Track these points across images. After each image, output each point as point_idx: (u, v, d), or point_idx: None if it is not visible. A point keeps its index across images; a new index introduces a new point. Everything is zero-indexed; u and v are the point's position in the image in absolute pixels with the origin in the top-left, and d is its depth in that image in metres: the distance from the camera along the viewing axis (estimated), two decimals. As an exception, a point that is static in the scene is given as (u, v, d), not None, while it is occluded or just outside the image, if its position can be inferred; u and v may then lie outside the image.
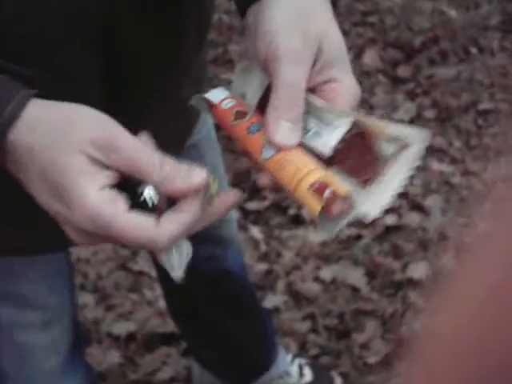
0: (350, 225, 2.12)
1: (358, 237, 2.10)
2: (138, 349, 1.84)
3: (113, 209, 0.64)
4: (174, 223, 0.67)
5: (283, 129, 0.68)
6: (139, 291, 1.97)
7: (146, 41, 0.82)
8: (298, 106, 0.69)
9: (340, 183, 0.67)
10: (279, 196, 2.22)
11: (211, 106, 0.75)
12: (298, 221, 2.16)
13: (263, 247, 2.09)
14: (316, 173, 0.67)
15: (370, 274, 2.00)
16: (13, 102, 0.66)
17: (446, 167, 2.34)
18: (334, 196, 0.65)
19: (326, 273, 2.00)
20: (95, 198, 0.64)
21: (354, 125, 0.69)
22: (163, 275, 1.52)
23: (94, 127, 0.65)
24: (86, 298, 1.93)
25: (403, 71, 2.73)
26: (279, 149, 0.69)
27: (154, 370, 1.80)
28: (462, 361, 0.30)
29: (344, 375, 1.77)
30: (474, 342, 0.30)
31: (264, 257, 2.07)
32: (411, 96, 2.62)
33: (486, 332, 0.29)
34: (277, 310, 1.92)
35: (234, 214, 1.45)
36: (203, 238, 1.40)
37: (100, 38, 0.77)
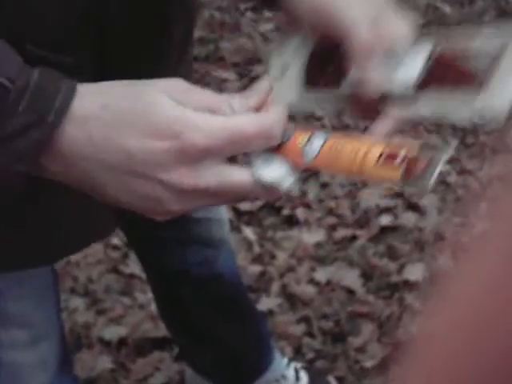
0: (346, 225, 2.10)
1: (353, 238, 2.07)
2: (129, 354, 1.81)
3: (222, 117, 0.63)
4: (273, 111, 0.66)
5: (369, 77, 0.70)
6: (130, 294, 1.93)
7: (133, 40, 0.79)
8: (375, 52, 0.71)
9: (406, 144, 0.65)
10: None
11: None
12: (291, 221, 2.13)
13: (257, 249, 2.06)
14: (376, 146, 0.65)
15: (366, 276, 1.96)
16: (60, 94, 0.62)
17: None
18: (407, 158, 0.63)
19: (321, 274, 1.97)
20: (210, 117, 0.63)
21: (434, 49, 0.71)
22: (153, 279, 1.49)
23: (160, 85, 0.64)
24: (76, 302, 1.89)
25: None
26: (324, 142, 0.67)
27: (146, 375, 1.77)
28: (458, 361, 0.30)
29: (340, 379, 1.74)
30: (470, 342, 0.30)
31: (258, 258, 2.04)
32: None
33: (482, 332, 0.29)
34: (271, 312, 1.89)
35: (225, 215, 1.42)
36: (195, 241, 1.37)
37: (94, 37, 0.75)
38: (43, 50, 0.70)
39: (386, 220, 2.10)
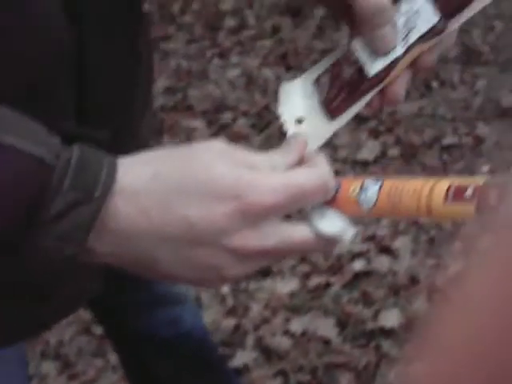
0: (319, 273, 2.08)
1: (327, 285, 2.05)
2: (104, 418, 1.77)
3: (280, 174, 0.62)
4: (321, 163, 0.65)
5: (383, 33, 0.69)
6: (103, 356, 1.90)
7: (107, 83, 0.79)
8: (385, 8, 0.69)
9: (467, 178, 0.62)
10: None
11: None
12: (265, 271, 2.11)
13: (230, 301, 2.03)
14: (441, 182, 0.62)
15: (341, 324, 1.94)
16: (104, 168, 0.60)
17: (413, 206, 2.30)
18: (478, 190, 0.60)
19: (296, 325, 1.95)
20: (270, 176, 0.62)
21: None
22: (117, 342, 1.46)
23: (207, 147, 0.63)
24: (47, 367, 1.86)
25: (365, 109, 2.70)
26: (380, 188, 0.64)
27: None
28: None
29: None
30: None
31: (231, 311, 2.01)
32: (375, 134, 2.58)
33: (461, 381, 0.29)
34: (247, 367, 1.86)
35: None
36: (159, 301, 1.34)
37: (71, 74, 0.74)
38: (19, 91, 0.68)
39: (359, 265, 2.08)
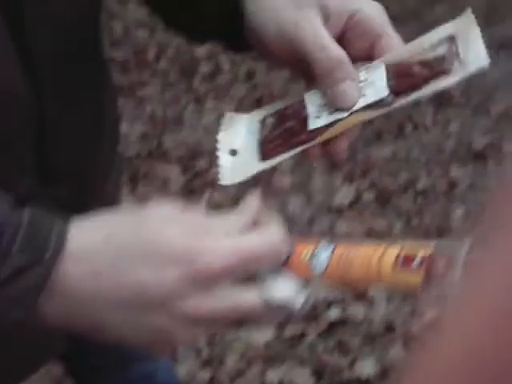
0: (294, 322, 2.07)
1: (303, 334, 2.04)
2: None
3: (231, 238, 0.62)
4: (274, 227, 0.64)
5: (344, 88, 0.68)
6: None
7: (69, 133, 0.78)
8: (346, 63, 0.69)
9: (420, 245, 0.62)
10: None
11: None
12: (240, 321, 2.10)
13: (206, 353, 2.02)
14: (391, 249, 0.62)
15: (317, 374, 1.93)
16: (55, 230, 0.59)
17: (388, 251, 2.30)
18: (426, 260, 0.60)
19: (272, 376, 1.94)
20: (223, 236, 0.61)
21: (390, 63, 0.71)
22: None
23: (159, 211, 0.62)
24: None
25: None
26: (331, 253, 0.64)
27: None
28: None
29: None
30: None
31: (207, 363, 2.00)
32: (349, 178, 2.59)
33: None
34: (223, 420, 1.85)
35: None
36: (131, 358, 1.33)
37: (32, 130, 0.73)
38: None
39: (334, 314, 2.07)
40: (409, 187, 2.56)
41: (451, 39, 0.70)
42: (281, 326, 2.07)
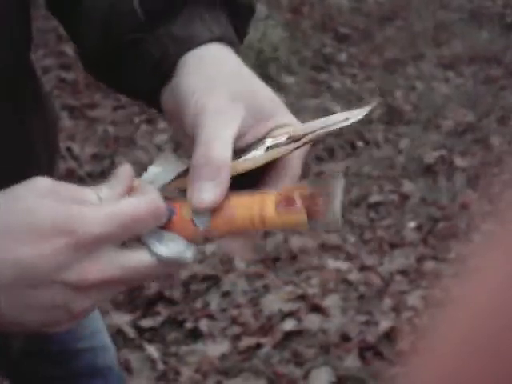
0: (250, 334, 2.06)
1: (258, 346, 2.03)
2: None
3: (109, 205, 0.61)
4: (150, 191, 0.63)
5: (200, 189, 0.64)
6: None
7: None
8: (216, 162, 0.63)
9: (295, 186, 0.63)
10: (174, 310, 2.14)
11: None
12: (195, 335, 2.08)
13: (160, 366, 2.00)
14: (269, 195, 0.62)
15: (273, 385, 1.92)
16: None
17: (341, 264, 2.31)
18: (305, 198, 0.61)
19: (228, 388, 1.92)
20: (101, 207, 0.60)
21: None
22: None
23: (31, 187, 0.60)
24: None
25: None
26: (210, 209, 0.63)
27: None
28: None
29: None
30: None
31: (162, 377, 1.97)
32: (302, 194, 2.60)
33: None
34: (178, 433, 1.82)
35: (109, 341, 1.36)
36: (80, 374, 1.31)
37: None
38: None
39: (289, 325, 2.07)
40: (361, 201, 2.58)
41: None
42: (235, 338, 2.06)
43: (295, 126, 0.67)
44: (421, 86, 3.24)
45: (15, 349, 0.94)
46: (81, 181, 2.73)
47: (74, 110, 3.12)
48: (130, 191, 0.65)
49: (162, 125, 3.07)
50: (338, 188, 0.62)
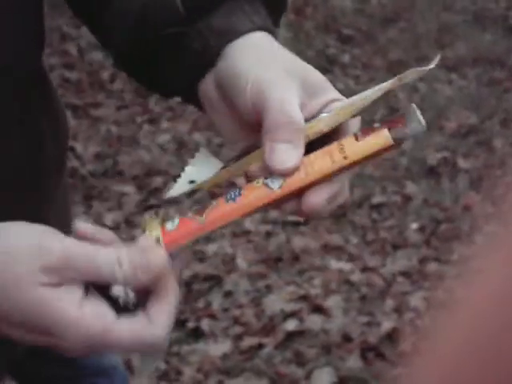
0: (252, 334, 2.06)
1: (260, 346, 2.03)
2: None
3: (102, 324, 0.58)
4: (163, 313, 0.62)
5: (280, 151, 0.62)
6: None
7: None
8: (294, 123, 0.62)
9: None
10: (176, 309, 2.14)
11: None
12: (197, 334, 2.08)
13: (162, 365, 2.00)
14: (345, 137, 0.62)
15: (275, 385, 1.92)
16: None
17: (344, 265, 2.31)
18: (383, 123, 0.60)
19: (229, 388, 1.92)
20: (80, 321, 0.58)
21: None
22: None
23: (32, 255, 0.59)
24: None
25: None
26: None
27: None
28: None
29: None
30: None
31: (163, 376, 1.97)
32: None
33: None
34: (179, 433, 1.82)
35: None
36: (85, 374, 1.31)
37: None
38: None
39: (291, 325, 2.07)
40: (364, 202, 2.57)
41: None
42: (237, 338, 2.06)
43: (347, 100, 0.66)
44: (424, 87, 3.24)
45: (19, 349, 0.94)
46: (83, 180, 2.74)
47: (77, 110, 3.12)
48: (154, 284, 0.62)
49: (164, 125, 3.07)
50: (415, 110, 0.62)
